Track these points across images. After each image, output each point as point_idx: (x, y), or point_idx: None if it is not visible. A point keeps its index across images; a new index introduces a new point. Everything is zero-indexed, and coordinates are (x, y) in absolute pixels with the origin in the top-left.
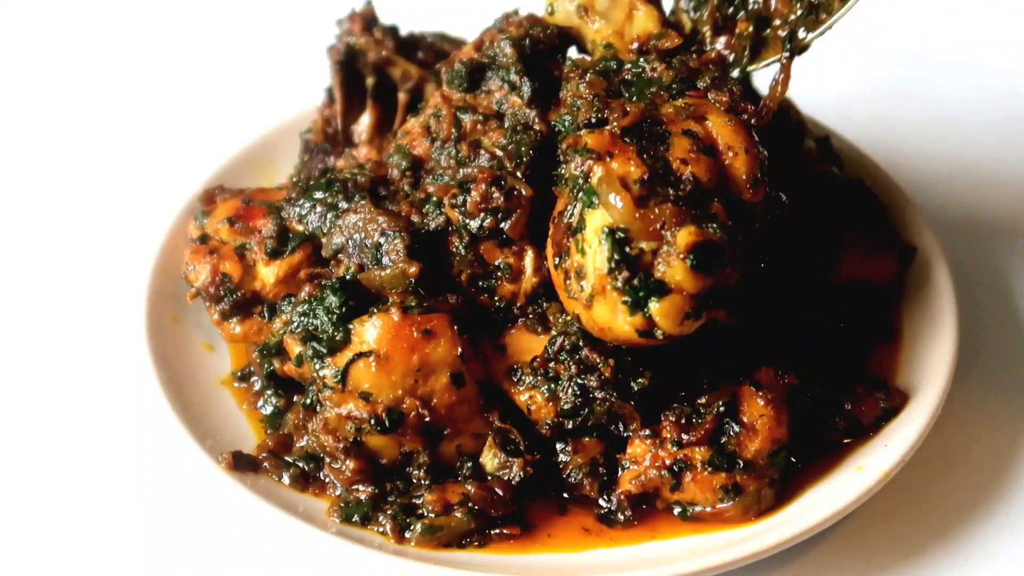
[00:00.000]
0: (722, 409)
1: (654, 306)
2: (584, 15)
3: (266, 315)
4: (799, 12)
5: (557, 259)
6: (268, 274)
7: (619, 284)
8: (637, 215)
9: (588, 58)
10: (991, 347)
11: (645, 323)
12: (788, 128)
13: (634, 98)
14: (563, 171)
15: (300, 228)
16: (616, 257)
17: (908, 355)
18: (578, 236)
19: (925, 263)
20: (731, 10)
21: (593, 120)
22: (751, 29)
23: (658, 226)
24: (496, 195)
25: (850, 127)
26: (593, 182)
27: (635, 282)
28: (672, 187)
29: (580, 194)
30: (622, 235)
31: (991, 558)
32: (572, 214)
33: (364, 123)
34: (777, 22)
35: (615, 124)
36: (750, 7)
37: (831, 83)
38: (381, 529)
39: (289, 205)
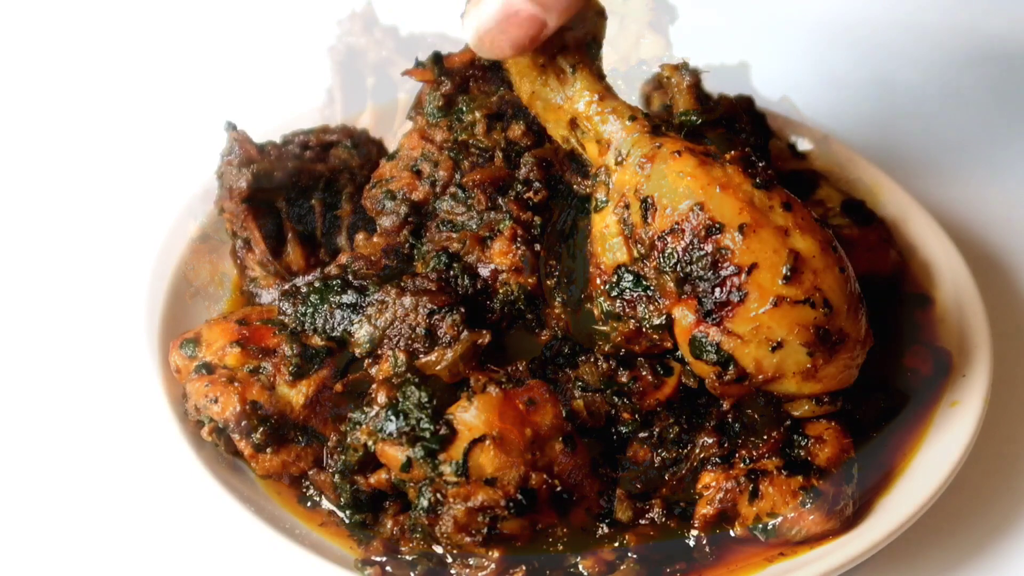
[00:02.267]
0: (788, 423)
1: None
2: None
3: (301, 440)
4: None
5: None
6: (295, 396)
7: None
8: None
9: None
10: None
11: None
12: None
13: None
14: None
15: (318, 340)
16: None
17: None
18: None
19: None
20: None
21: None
22: None
23: None
24: (522, 250)
25: (850, 126)
26: None
27: None
28: None
29: None
30: None
31: None
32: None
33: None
34: None
35: None
36: None
37: (831, 83)
38: None
39: (297, 319)
